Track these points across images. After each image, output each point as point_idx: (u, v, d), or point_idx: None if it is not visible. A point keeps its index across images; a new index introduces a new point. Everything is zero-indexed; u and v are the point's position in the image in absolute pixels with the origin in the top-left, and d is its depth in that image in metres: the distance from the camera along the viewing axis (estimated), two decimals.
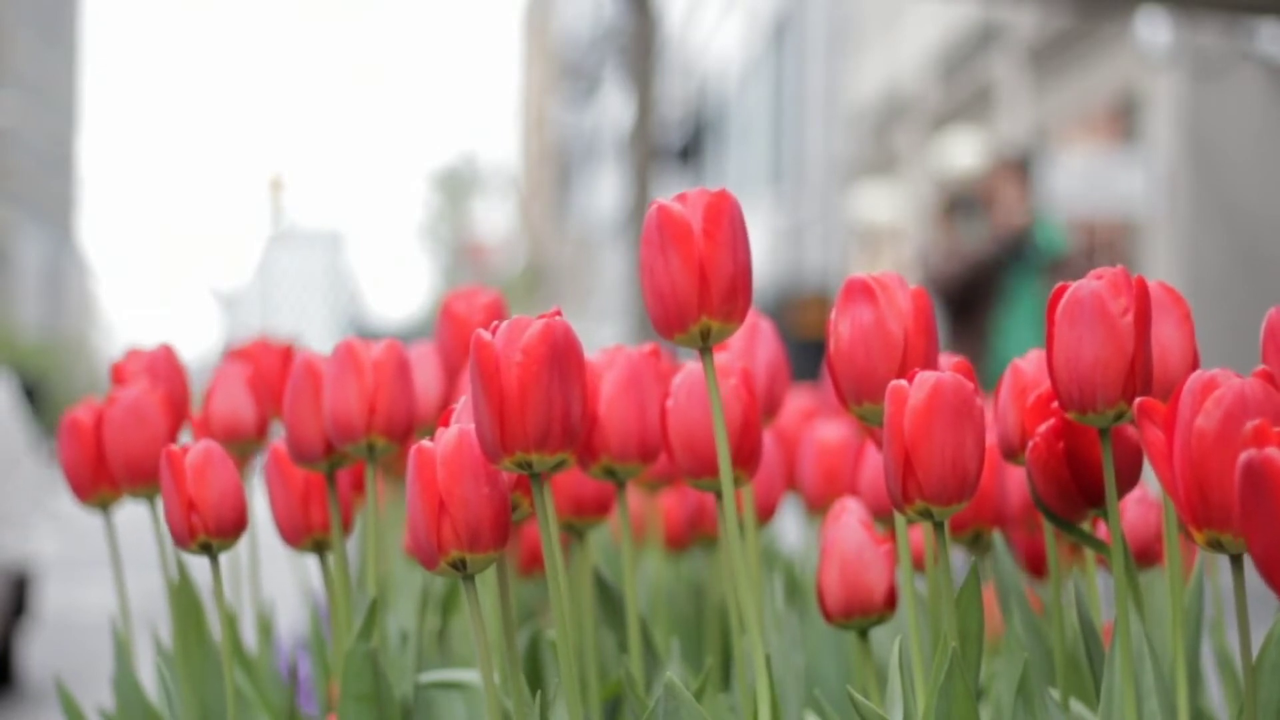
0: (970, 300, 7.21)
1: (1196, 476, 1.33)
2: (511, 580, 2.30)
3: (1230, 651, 2.04)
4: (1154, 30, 13.39)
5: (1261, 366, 1.50)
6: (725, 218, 1.58)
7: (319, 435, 1.91)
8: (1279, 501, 1.15)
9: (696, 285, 1.57)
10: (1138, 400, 1.41)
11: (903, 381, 1.51)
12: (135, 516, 2.76)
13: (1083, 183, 13.87)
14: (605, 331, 36.01)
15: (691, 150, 33.30)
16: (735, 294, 1.58)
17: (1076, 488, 1.66)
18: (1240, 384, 1.35)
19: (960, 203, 7.85)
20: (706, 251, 1.57)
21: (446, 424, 1.60)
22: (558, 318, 1.53)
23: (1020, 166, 7.37)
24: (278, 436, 2.04)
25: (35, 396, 24.76)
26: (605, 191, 42.10)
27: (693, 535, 2.54)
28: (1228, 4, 10.85)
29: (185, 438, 2.18)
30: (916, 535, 2.13)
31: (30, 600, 7.64)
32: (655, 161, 19.82)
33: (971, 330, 7.39)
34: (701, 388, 1.80)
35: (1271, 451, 1.15)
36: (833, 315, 1.65)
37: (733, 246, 1.58)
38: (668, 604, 2.50)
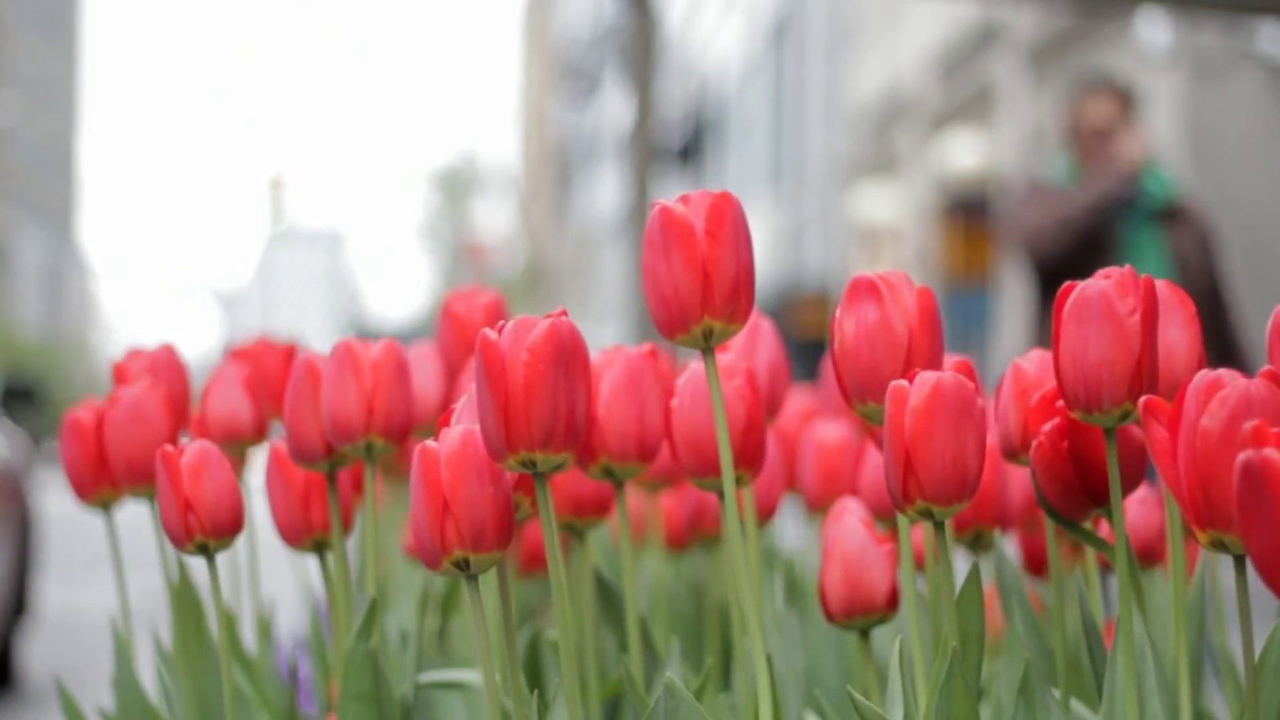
0: (1079, 257, 5.78)
1: (1201, 477, 1.33)
2: (512, 580, 2.29)
3: (1232, 652, 2.04)
4: (1154, 30, 13.40)
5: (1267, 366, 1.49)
6: (728, 219, 1.58)
7: (319, 435, 1.91)
8: (1278, 502, 1.15)
9: (699, 286, 1.57)
10: (1143, 399, 1.41)
11: (903, 381, 1.51)
12: (135, 516, 2.76)
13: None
14: (605, 331, 36.01)
15: (691, 150, 33.32)
16: (738, 295, 1.58)
17: (1081, 487, 1.66)
18: (1245, 384, 1.35)
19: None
20: (709, 252, 1.57)
21: (447, 424, 1.60)
22: (563, 318, 1.53)
23: (1129, 98, 6.10)
24: (277, 436, 2.04)
25: (35, 396, 24.74)
26: (605, 191, 42.12)
27: (693, 535, 2.54)
28: (1228, 4, 10.85)
29: (184, 438, 2.18)
30: (917, 535, 2.12)
31: (30, 600, 7.64)
32: (655, 161, 19.82)
33: None
34: (706, 387, 1.80)
35: (1270, 452, 1.15)
36: (837, 314, 1.65)
37: (735, 247, 1.58)
38: (668, 604, 2.50)
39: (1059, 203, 5.79)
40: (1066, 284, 1.55)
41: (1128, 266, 1.55)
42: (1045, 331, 5.62)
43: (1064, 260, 5.74)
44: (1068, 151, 6.05)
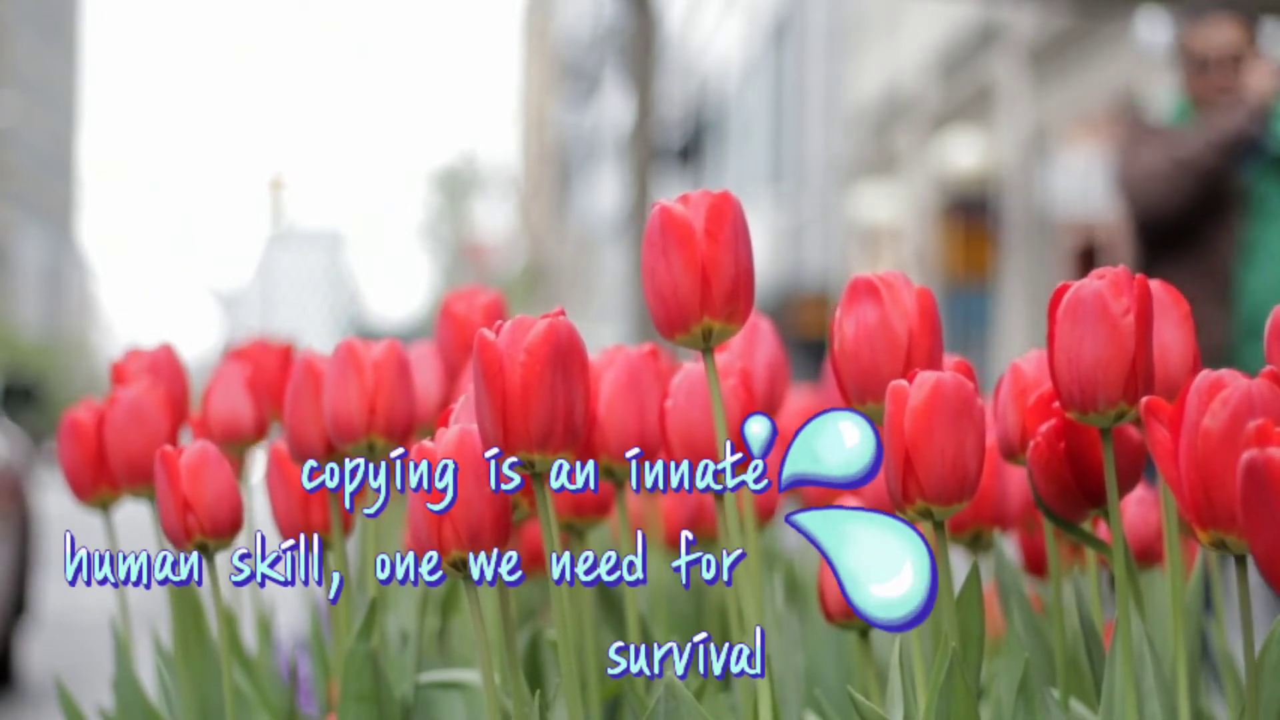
0: (1196, 209, 4.72)
1: (1202, 476, 1.33)
2: None
3: (1231, 652, 2.04)
4: (1154, 30, 13.38)
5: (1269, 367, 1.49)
6: (727, 219, 1.58)
7: (319, 435, 1.91)
8: None
9: (699, 286, 1.57)
10: (1144, 399, 1.41)
11: (903, 381, 1.51)
12: (135, 516, 2.76)
13: (1083, 183, 13.86)
14: (605, 331, 36.00)
15: (691, 150, 33.31)
16: (737, 295, 1.58)
17: (1078, 487, 1.66)
18: (1247, 384, 1.35)
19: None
20: (709, 253, 1.57)
21: (446, 424, 1.60)
22: (561, 318, 1.53)
23: (1254, 24, 4.99)
24: (277, 437, 2.04)
25: (35, 396, 24.74)
26: (605, 191, 42.11)
27: (693, 535, 2.53)
28: (1227, 4, 10.84)
29: (185, 438, 2.18)
30: None
31: (30, 600, 7.64)
32: (655, 161, 19.82)
33: (1197, 259, 4.80)
34: (700, 388, 1.80)
35: (1274, 452, 1.15)
36: (837, 314, 1.65)
37: (735, 247, 1.58)
38: (668, 604, 2.50)
39: (1175, 143, 4.73)
40: (1060, 284, 1.55)
41: (1122, 267, 1.55)
42: None
43: (1179, 212, 4.73)
44: (1179, 86, 5.05)
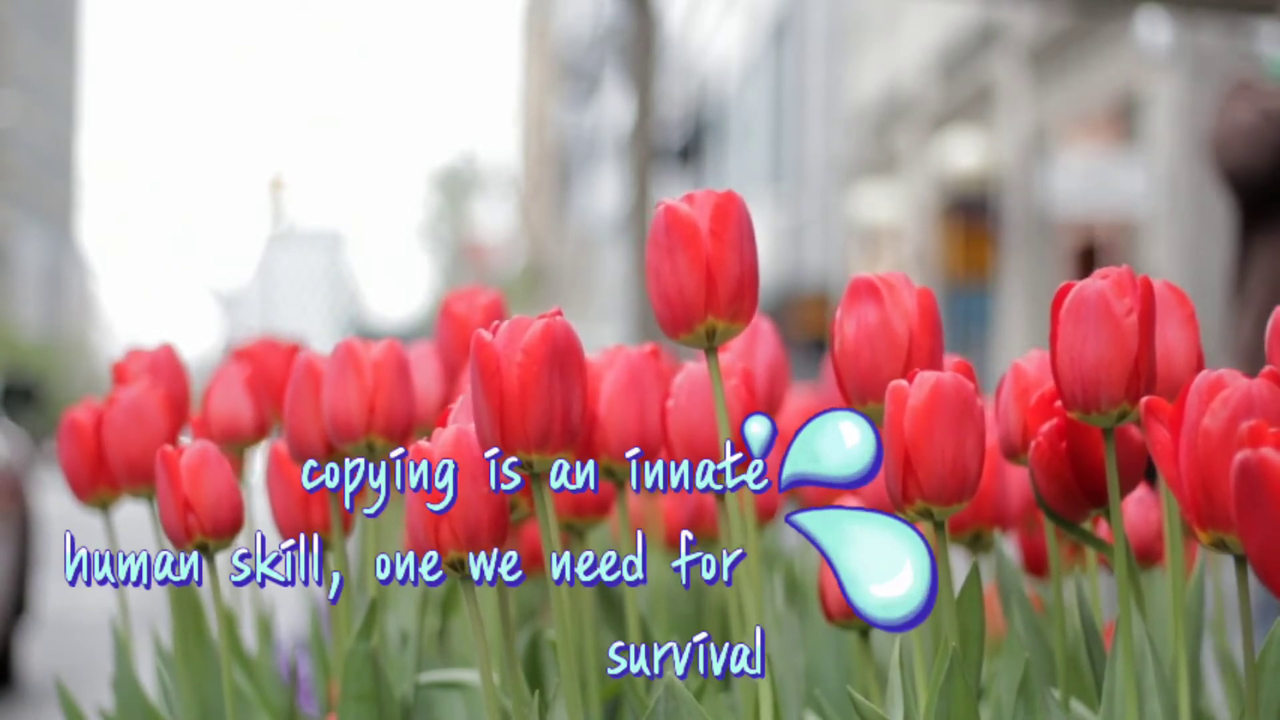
0: None
1: (1202, 477, 1.33)
2: None
3: (1231, 652, 2.04)
4: (1154, 30, 13.39)
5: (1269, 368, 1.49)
6: (732, 219, 1.58)
7: (319, 435, 1.91)
8: (1275, 502, 1.15)
9: (703, 286, 1.57)
10: (1144, 399, 1.41)
11: (903, 381, 1.51)
12: (135, 516, 2.76)
13: (1083, 183, 13.87)
14: (605, 331, 36.01)
15: (691, 150, 33.32)
16: (742, 295, 1.58)
17: (1079, 487, 1.66)
18: (1247, 384, 1.35)
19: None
20: (714, 252, 1.57)
21: (444, 424, 1.60)
22: (558, 318, 1.53)
23: None
24: (277, 437, 2.04)
25: (35, 396, 24.75)
26: (605, 191, 42.10)
27: (693, 535, 2.53)
28: (1228, 4, 10.85)
29: (185, 438, 2.18)
30: None
31: (30, 600, 7.65)
32: (655, 161, 19.82)
33: None
34: (702, 387, 1.80)
35: (1267, 452, 1.15)
36: (838, 314, 1.65)
37: (740, 247, 1.58)
38: (668, 604, 2.50)
39: (1266, 96, 4.20)
40: (1064, 284, 1.55)
41: (1125, 266, 1.55)
42: (1246, 276, 4.18)
43: (1269, 169, 4.15)
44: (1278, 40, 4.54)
